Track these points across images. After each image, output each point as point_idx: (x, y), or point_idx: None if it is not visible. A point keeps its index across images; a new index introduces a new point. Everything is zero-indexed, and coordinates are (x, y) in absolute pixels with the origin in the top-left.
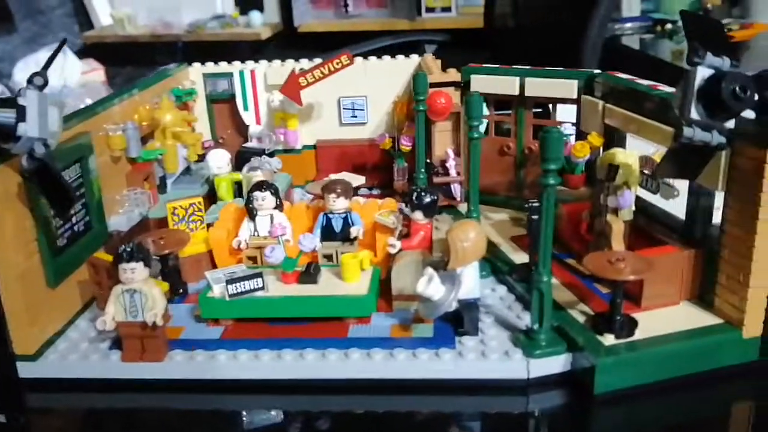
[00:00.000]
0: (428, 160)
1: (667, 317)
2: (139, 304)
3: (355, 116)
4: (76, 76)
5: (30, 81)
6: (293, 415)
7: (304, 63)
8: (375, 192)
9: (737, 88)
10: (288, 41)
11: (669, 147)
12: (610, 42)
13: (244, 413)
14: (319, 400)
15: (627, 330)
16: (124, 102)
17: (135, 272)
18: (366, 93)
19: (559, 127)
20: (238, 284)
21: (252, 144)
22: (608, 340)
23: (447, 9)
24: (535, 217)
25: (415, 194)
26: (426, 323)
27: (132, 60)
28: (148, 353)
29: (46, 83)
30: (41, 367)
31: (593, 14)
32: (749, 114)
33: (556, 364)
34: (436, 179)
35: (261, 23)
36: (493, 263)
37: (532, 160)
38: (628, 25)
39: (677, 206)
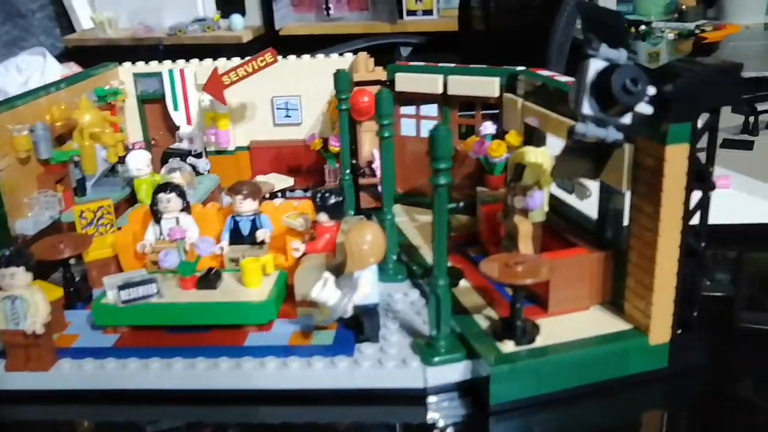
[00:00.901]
0: (354, 161)
1: (575, 323)
2: (21, 311)
3: (289, 116)
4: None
5: None
6: (184, 426)
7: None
8: (309, 194)
9: (628, 81)
10: (269, 44)
11: (564, 145)
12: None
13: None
14: (211, 411)
15: (528, 336)
16: (33, 102)
17: (15, 278)
18: (299, 92)
19: (480, 126)
20: (130, 290)
21: (179, 145)
22: (507, 347)
23: (428, 12)
24: None
25: (319, 195)
26: (328, 330)
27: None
28: (33, 362)
29: None
30: None
31: (558, 15)
32: (646, 109)
33: (455, 372)
34: (363, 180)
35: (242, 26)
36: (409, 266)
37: (459, 160)
38: None
39: (593, 207)
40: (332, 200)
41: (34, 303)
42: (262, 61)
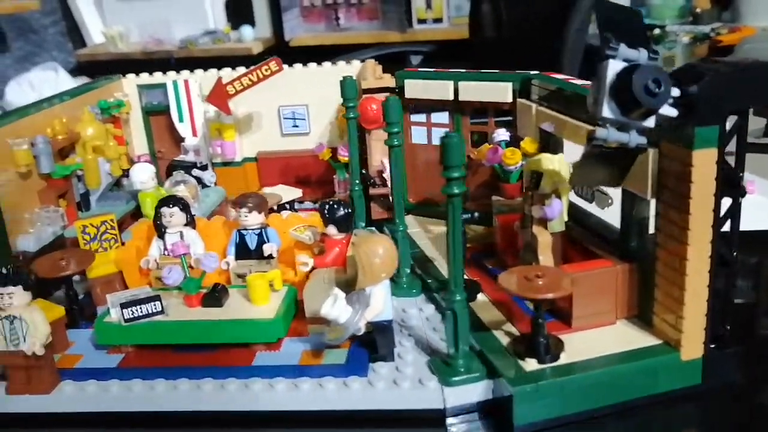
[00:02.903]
0: (364, 171)
1: (600, 338)
2: (21, 331)
3: (297, 126)
4: None
5: None
6: None
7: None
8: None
9: (650, 82)
10: (280, 55)
11: (583, 151)
12: (596, 48)
13: None
14: None
15: (552, 354)
16: (35, 115)
17: (13, 297)
18: (307, 101)
19: (493, 133)
20: (133, 308)
21: (184, 157)
22: (530, 365)
23: (439, 20)
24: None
25: (327, 207)
26: (341, 348)
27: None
28: (34, 385)
29: None
30: None
31: (571, 19)
32: (670, 111)
33: (475, 392)
34: (373, 191)
35: (252, 38)
36: (424, 280)
37: (473, 168)
38: None
39: (616, 216)
40: (341, 212)
41: (33, 323)
42: (266, 70)
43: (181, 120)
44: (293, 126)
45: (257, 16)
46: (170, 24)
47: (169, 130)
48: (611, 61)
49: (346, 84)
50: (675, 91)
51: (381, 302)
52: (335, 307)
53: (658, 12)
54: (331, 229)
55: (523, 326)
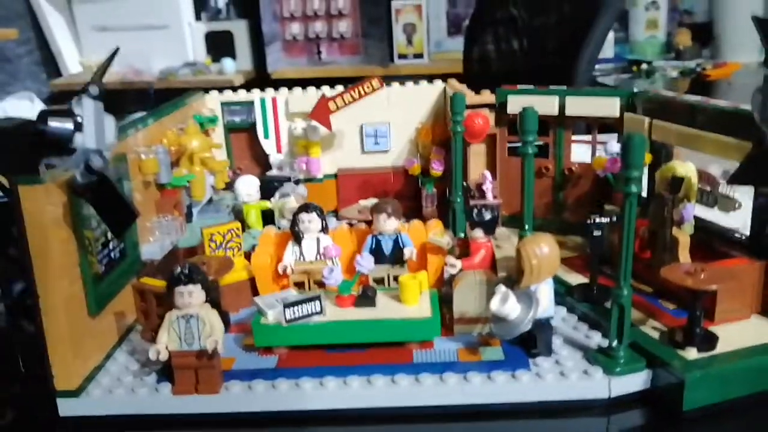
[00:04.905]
0: (464, 184)
1: (740, 331)
2: (196, 330)
3: (378, 143)
4: None
5: (84, 90)
6: None
7: (326, 89)
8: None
9: None
10: (261, 88)
11: (748, 154)
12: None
13: None
14: (391, 430)
15: (708, 344)
16: (151, 126)
17: (193, 296)
18: (389, 119)
19: (604, 145)
20: (295, 308)
21: (276, 172)
22: (691, 354)
23: (419, 56)
24: (597, 233)
25: (475, 211)
26: (494, 345)
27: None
28: (203, 385)
29: (102, 93)
30: (85, 404)
31: (580, 56)
32: None
33: (637, 381)
34: (473, 202)
35: (234, 70)
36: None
37: (573, 181)
38: (603, 66)
39: (726, 219)
40: (488, 216)
41: (210, 322)
42: (368, 87)
43: (266, 136)
44: (374, 143)
45: (238, 49)
46: (150, 55)
47: (249, 146)
48: None
49: (456, 99)
50: None
51: (547, 300)
52: (507, 304)
53: (641, 49)
54: (478, 233)
55: (667, 321)
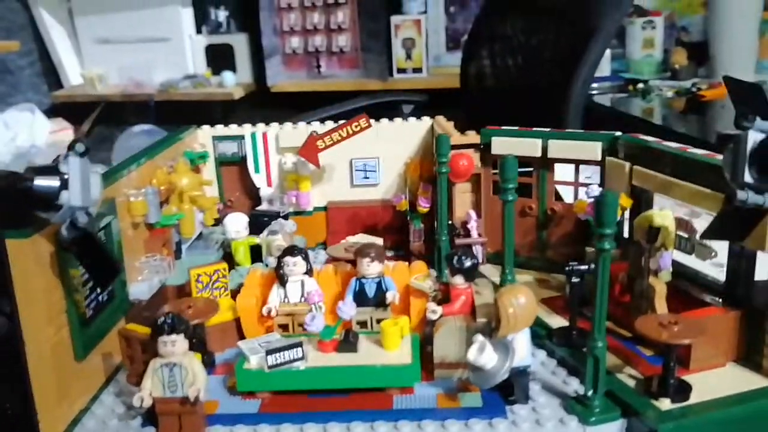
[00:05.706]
0: (450, 222)
1: (716, 380)
2: (179, 378)
3: (367, 177)
4: (44, 136)
5: (71, 147)
6: None
7: (316, 125)
8: (389, 254)
9: None
10: (261, 101)
11: (720, 210)
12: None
13: None
14: None
15: (682, 394)
16: (142, 166)
17: (176, 345)
18: (378, 154)
19: (586, 188)
20: (277, 354)
21: (265, 207)
22: (664, 404)
23: (418, 70)
24: (576, 280)
25: (455, 258)
26: (473, 392)
27: (102, 119)
28: (187, 430)
29: (87, 150)
30: None
31: (575, 76)
32: None
33: (612, 430)
34: (458, 241)
35: (234, 83)
36: (532, 328)
37: (555, 221)
38: (599, 84)
39: (706, 265)
40: (468, 263)
41: (192, 370)
42: (356, 126)
43: (257, 171)
44: (364, 177)
45: (238, 62)
46: (150, 67)
47: (239, 180)
48: (750, 132)
49: (441, 140)
50: None
51: (524, 349)
52: (484, 354)
53: (638, 67)
54: (458, 279)
55: (644, 369)
